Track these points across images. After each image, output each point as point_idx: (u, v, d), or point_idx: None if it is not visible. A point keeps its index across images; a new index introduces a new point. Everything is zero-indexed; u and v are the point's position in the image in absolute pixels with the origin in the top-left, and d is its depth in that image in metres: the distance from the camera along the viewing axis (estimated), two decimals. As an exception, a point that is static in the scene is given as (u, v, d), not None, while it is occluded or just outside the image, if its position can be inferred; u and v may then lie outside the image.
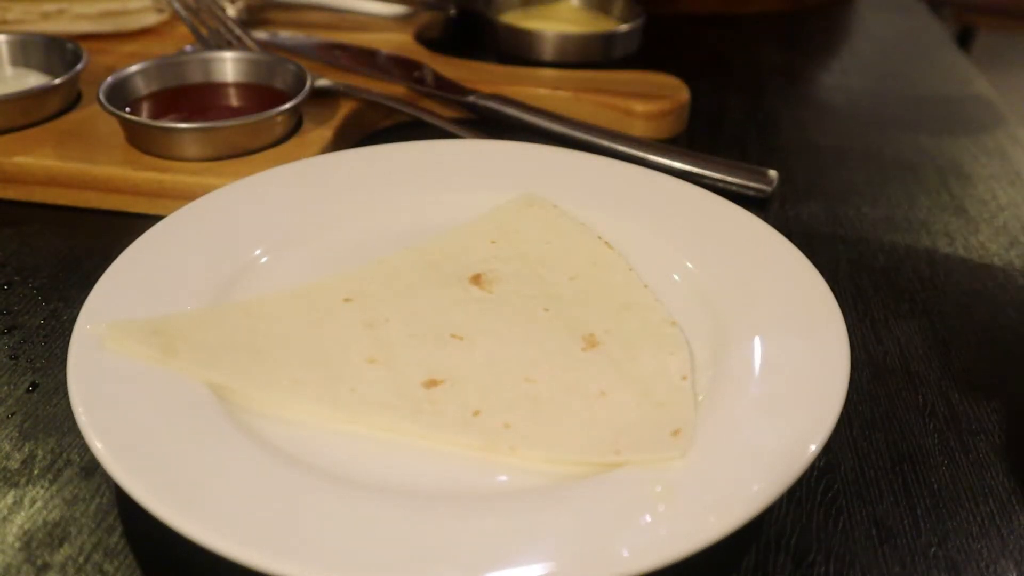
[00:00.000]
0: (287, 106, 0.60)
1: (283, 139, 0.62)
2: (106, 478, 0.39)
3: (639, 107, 0.69)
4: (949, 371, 0.48)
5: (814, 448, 0.35)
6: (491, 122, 0.68)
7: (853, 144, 0.72)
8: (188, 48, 0.73)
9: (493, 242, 0.50)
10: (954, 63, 0.90)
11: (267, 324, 0.43)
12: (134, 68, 0.64)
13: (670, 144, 0.65)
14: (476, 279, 0.47)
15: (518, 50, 0.80)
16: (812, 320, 0.43)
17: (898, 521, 0.39)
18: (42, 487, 0.39)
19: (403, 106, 0.67)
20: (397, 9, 0.82)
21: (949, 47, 0.94)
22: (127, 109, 0.62)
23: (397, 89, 0.69)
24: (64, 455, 0.41)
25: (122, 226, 0.56)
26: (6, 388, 0.44)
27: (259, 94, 0.66)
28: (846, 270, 0.56)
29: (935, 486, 0.41)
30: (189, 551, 0.32)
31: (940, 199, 0.64)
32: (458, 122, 0.66)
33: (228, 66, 0.67)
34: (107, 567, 0.36)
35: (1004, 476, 0.41)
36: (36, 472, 0.40)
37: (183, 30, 0.77)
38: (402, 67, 0.72)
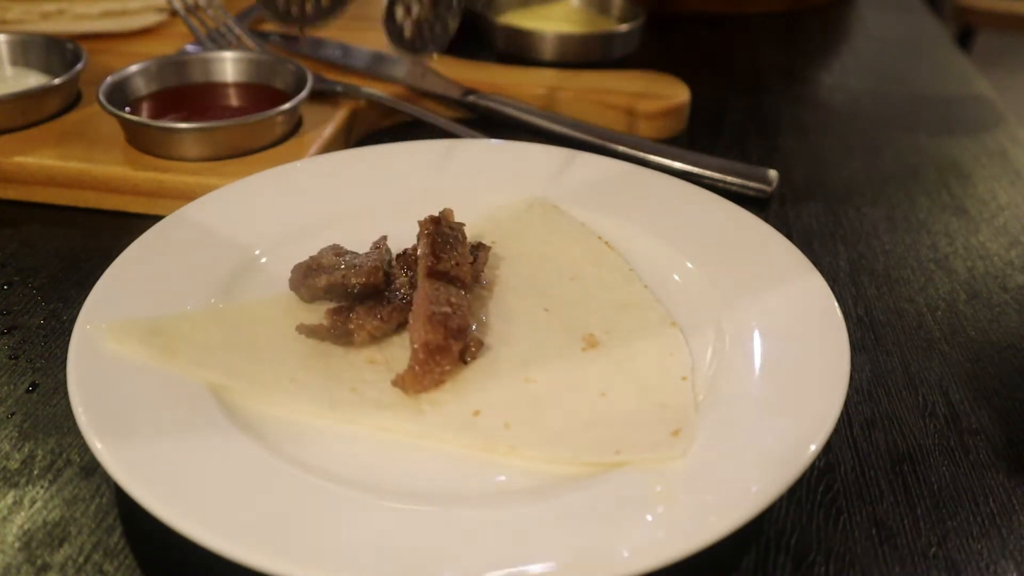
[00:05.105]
0: (287, 106, 0.60)
1: (283, 139, 0.62)
2: (106, 478, 0.39)
3: (639, 107, 0.69)
4: (949, 371, 0.48)
5: (814, 448, 0.35)
6: (491, 122, 0.68)
7: (853, 144, 0.72)
8: (188, 48, 0.73)
9: (493, 242, 0.50)
10: (954, 63, 0.90)
11: (267, 325, 0.43)
12: (134, 68, 0.64)
13: (670, 144, 0.65)
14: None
15: (518, 50, 0.80)
16: (812, 320, 0.43)
17: (898, 521, 0.39)
18: (42, 487, 0.39)
19: (403, 106, 0.67)
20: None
21: (949, 47, 0.94)
22: (127, 109, 0.62)
23: (397, 89, 0.70)
24: (64, 455, 0.41)
25: (122, 226, 0.56)
26: (6, 388, 0.44)
27: (259, 94, 0.66)
28: (846, 270, 0.56)
29: (935, 486, 0.41)
30: (189, 551, 0.32)
31: (940, 199, 0.64)
32: (458, 122, 0.66)
33: (228, 66, 0.67)
34: (107, 567, 0.36)
35: (1004, 476, 0.41)
36: (36, 472, 0.40)
37: (183, 30, 0.77)
38: (402, 67, 0.72)
